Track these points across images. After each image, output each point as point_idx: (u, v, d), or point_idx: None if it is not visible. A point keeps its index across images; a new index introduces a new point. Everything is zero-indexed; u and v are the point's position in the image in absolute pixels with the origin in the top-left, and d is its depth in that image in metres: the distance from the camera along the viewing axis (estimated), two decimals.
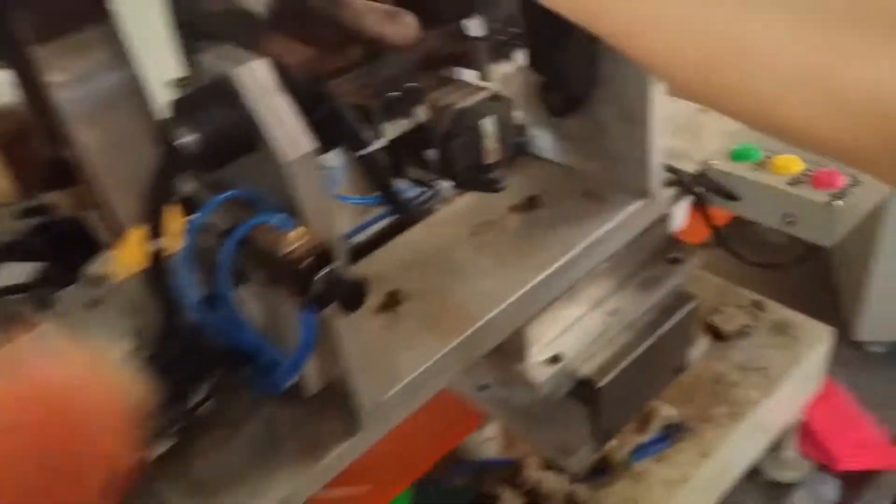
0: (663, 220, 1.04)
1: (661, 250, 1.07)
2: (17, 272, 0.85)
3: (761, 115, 0.45)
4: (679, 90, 0.49)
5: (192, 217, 0.63)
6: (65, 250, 1.07)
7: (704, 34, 0.44)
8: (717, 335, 1.54)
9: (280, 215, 0.62)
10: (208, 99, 0.59)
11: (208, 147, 0.59)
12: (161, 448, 0.71)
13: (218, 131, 0.59)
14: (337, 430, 0.79)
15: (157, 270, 0.63)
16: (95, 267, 0.79)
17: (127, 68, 0.73)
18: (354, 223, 1.00)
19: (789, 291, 1.63)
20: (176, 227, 0.66)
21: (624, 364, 1.00)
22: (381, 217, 1.00)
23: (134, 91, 0.69)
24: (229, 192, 0.63)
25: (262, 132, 0.60)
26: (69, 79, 0.73)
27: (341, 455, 0.78)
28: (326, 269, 0.61)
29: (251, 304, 0.73)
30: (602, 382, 1.00)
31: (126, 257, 0.69)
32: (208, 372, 0.69)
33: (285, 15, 0.68)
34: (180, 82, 0.64)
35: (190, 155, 0.59)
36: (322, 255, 0.61)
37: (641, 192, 0.97)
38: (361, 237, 1.01)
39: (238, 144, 0.60)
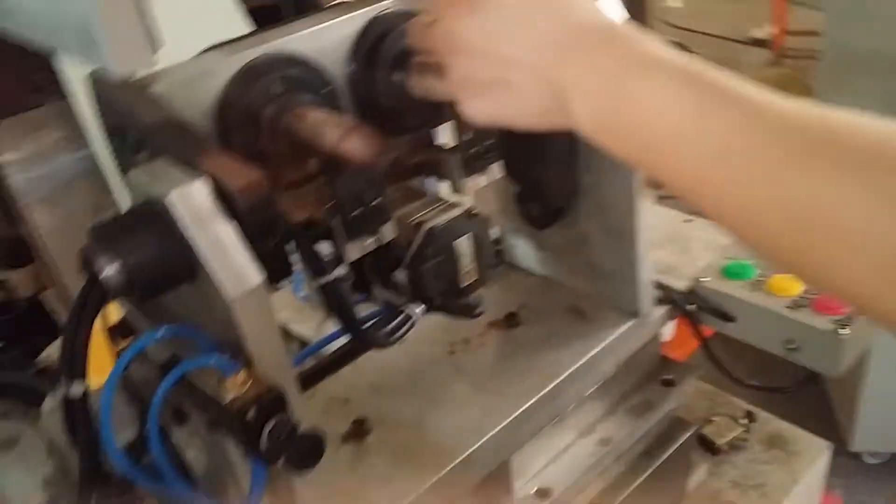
0: (654, 339, 0.96)
1: (652, 371, 0.99)
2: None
3: (835, 282, 0.44)
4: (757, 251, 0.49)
5: (121, 355, 0.55)
6: (23, 330, 0.99)
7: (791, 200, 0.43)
8: (710, 449, 1.46)
9: (222, 357, 0.54)
10: (137, 223, 0.52)
11: (135, 278, 0.51)
12: None
13: (147, 261, 0.51)
14: None
15: (78, 414, 0.55)
16: (48, 354, 0.70)
17: (84, 148, 0.67)
18: (318, 331, 0.92)
19: (781, 401, 1.56)
20: (102, 359, 0.58)
21: (619, 500, 0.90)
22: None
23: (91, 171, 0.64)
24: (162, 330, 0.55)
25: (201, 264, 0.53)
26: (23, 157, 0.67)
27: None
28: (276, 420, 0.52)
29: (190, 447, 0.64)
30: None
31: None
32: None
33: (232, 127, 0.61)
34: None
35: (115, 287, 0.51)
36: (271, 404, 0.53)
37: (631, 312, 0.90)
38: (326, 349, 0.93)
39: (172, 275, 0.53)
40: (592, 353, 0.86)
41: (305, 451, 0.53)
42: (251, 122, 0.64)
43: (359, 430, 0.83)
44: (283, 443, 0.52)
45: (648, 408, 0.94)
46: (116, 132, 0.64)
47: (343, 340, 0.93)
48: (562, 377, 0.84)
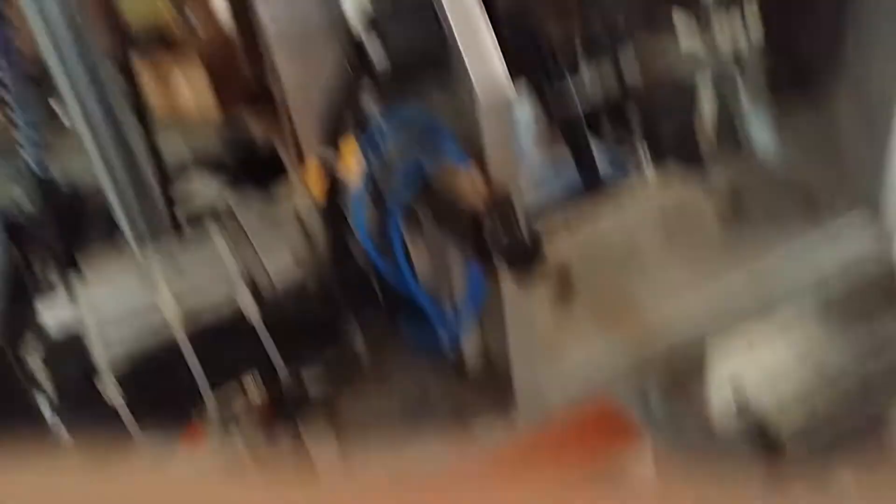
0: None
1: (890, 292, 0.91)
2: (207, 188, 0.87)
3: None
4: None
5: (365, 136, 0.61)
6: (253, 169, 1.10)
7: None
8: None
9: (463, 158, 0.59)
10: (404, 13, 0.57)
11: (396, 61, 0.56)
12: (311, 379, 0.70)
13: (409, 46, 0.56)
14: (490, 404, 0.75)
15: (333, 198, 0.62)
16: (278, 188, 0.79)
17: (335, 6, 0.73)
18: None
19: None
20: (353, 159, 0.64)
21: (816, 416, 0.87)
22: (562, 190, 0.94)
23: (338, 29, 0.69)
24: (413, 110, 0.60)
25: (459, 64, 0.57)
26: (279, 11, 0.74)
27: (492, 430, 0.74)
28: (501, 220, 0.57)
29: (421, 255, 0.70)
30: (788, 435, 0.88)
31: (308, 184, 0.69)
32: (369, 312, 0.67)
33: None
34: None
35: (377, 67, 0.56)
36: (499, 205, 0.57)
37: (871, 208, 0.84)
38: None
39: (429, 65, 0.57)
40: (813, 237, 0.82)
41: (526, 254, 0.56)
42: None
43: (566, 290, 0.86)
44: (508, 243, 0.56)
45: (885, 344, 0.88)
46: None
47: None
48: (775, 255, 0.81)
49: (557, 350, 0.78)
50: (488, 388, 0.76)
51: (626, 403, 1.14)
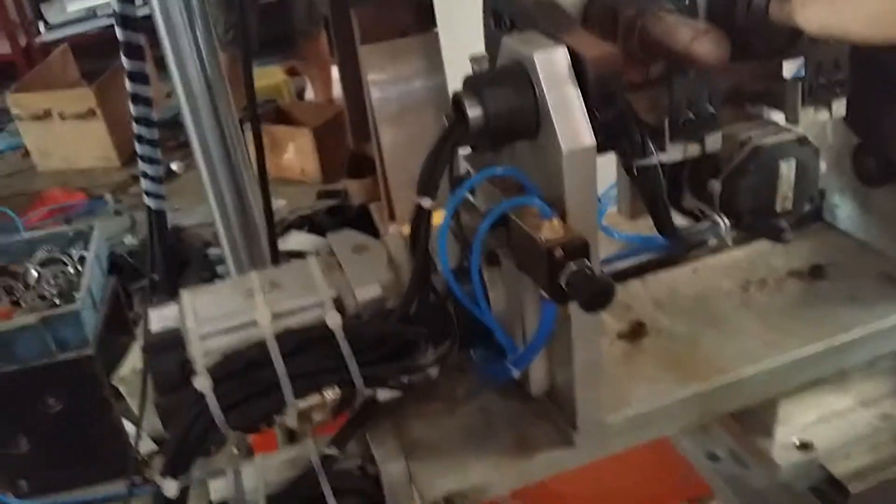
0: None
1: None
2: (303, 241, 0.93)
3: None
4: None
5: (457, 188, 0.66)
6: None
7: None
8: None
9: (543, 202, 0.63)
10: (501, 78, 0.62)
11: (492, 121, 0.61)
12: (385, 396, 0.74)
13: (504, 109, 0.61)
14: (552, 436, 0.78)
15: (421, 230, 0.67)
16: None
17: (439, 76, 0.79)
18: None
19: None
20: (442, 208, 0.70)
21: (885, 475, 0.86)
22: (641, 251, 0.97)
23: (439, 97, 0.75)
24: (501, 169, 0.65)
25: (546, 119, 0.61)
26: (386, 79, 0.80)
27: (551, 461, 0.77)
28: (577, 263, 0.60)
29: (497, 289, 0.74)
30: (857, 489, 0.87)
31: (399, 231, 0.74)
32: (443, 336, 0.71)
33: (595, 16, 0.69)
34: (475, 60, 0.67)
35: (475, 126, 0.62)
36: (577, 249, 0.61)
37: None
38: (621, 265, 0.99)
39: (520, 126, 0.62)
40: (895, 318, 0.82)
41: (596, 293, 0.60)
42: (612, 19, 0.71)
43: (636, 332, 0.89)
44: (579, 283, 0.60)
45: None
46: (496, 14, 0.75)
47: (637, 261, 0.99)
48: (855, 333, 0.82)
49: (623, 387, 0.81)
50: (551, 422, 0.79)
51: (694, 457, 1.14)
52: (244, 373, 0.66)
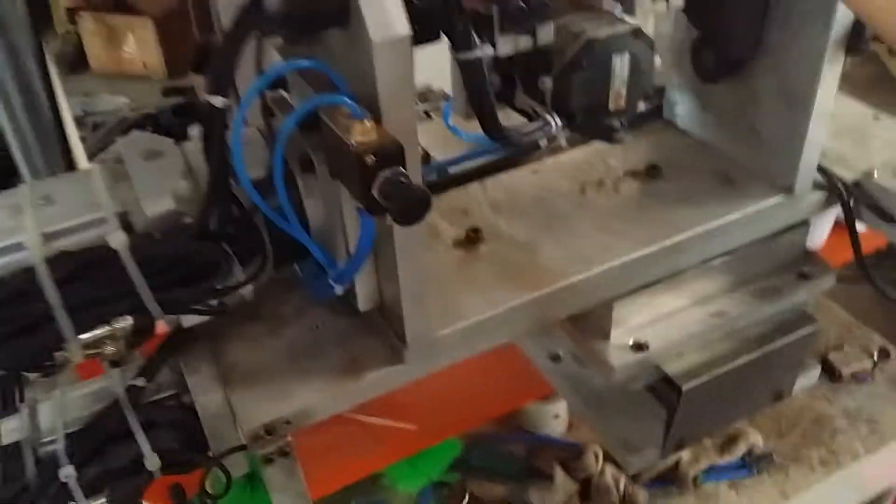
0: (802, 225, 0.90)
1: (790, 261, 0.93)
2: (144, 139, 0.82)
3: None
4: None
5: (256, 80, 0.57)
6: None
7: None
8: (832, 374, 1.40)
9: (353, 101, 0.56)
10: None
11: (291, 4, 0.53)
12: (192, 322, 0.67)
13: None
14: (381, 353, 0.73)
15: (215, 134, 0.58)
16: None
17: None
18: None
19: None
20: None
21: (716, 372, 0.88)
22: (484, 153, 0.92)
23: None
24: (304, 62, 0.57)
25: (354, 4, 0.53)
26: None
27: (380, 380, 0.73)
28: (391, 170, 0.54)
29: (314, 198, 0.67)
30: (687, 385, 0.89)
31: None
32: (251, 253, 0.64)
33: None
34: None
35: (270, 10, 0.53)
36: (390, 155, 0.54)
37: (784, 187, 0.84)
38: (458, 169, 0.93)
39: (324, 11, 0.54)
40: (729, 218, 0.82)
41: (411, 204, 0.54)
42: None
43: (473, 238, 0.85)
44: (394, 194, 0.54)
45: (775, 294, 0.90)
46: None
47: (475, 163, 0.94)
48: (688, 233, 0.81)
49: (457, 298, 0.77)
50: (380, 338, 0.74)
51: (537, 358, 1.14)
52: (9, 305, 0.56)
